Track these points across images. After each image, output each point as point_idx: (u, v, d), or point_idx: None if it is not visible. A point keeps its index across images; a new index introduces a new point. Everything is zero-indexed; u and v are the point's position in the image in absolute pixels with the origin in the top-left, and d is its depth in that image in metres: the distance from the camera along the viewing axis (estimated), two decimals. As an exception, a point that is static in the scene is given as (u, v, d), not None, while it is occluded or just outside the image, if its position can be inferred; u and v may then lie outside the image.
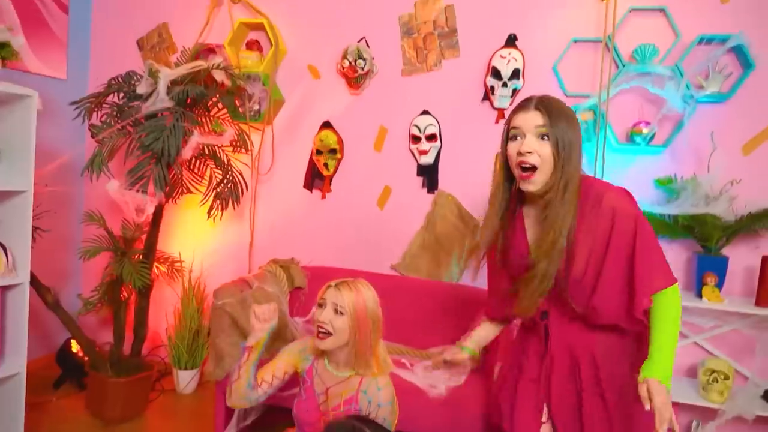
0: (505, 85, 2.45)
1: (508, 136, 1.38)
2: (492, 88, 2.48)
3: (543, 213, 1.36)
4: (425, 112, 2.61)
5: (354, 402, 1.57)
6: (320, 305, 1.58)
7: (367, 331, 1.55)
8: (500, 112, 2.52)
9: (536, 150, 1.32)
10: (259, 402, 1.66)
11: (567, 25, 2.43)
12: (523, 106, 1.36)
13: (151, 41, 3.03)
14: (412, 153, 2.66)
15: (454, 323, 2.43)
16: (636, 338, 1.43)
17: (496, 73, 2.46)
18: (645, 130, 2.26)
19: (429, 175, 2.64)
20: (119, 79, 2.45)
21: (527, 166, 1.33)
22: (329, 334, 1.54)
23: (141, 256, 2.55)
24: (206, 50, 2.78)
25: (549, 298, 1.41)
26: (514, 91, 2.47)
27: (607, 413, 1.40)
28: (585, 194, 1.35)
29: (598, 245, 1.33)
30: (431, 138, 2.59)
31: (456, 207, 2.60)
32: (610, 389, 1.40)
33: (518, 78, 2.45)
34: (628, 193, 1.37)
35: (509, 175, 1.42)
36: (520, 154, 1.33)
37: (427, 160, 2.60)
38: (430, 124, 2.59)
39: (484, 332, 1.70)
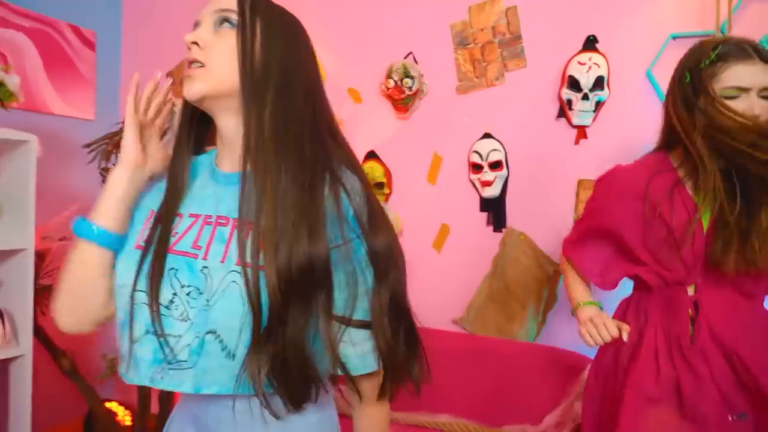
0: (586, 97, 1.99)
1: (723, 95, 1.11)
2: (569, 101, 2.03)
3: None
4: (487, 135, 2.19)
5: None
6: None
7: None
8: (581, 130, 2.06)
9: (764, 112, 1.10)
10: None
11: (661, 19, 1.95)
12: (743, 56, 1.10)
13: (180, 74, 2.78)
14: (473, 184, 2.23)
15: (535, 393, 1.95)
16: None
17: (573, 84, 2.01)
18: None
19: (495, 209, 2.19)
20: (136, 116, 2.18)
21: None
22: None
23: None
24: (235, 79, 2.48)
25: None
26: (598, 104, 2.00)
27: None
28: None
29: None
30: (496, 166, 2.15)
31: (530, 248, 2.14)
32: None
33: (602, 88, 1.99)
34: None
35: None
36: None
37: (492, 192, 2.16)
38: (494, 150, 2.15)
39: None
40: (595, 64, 1.98)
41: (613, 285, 1.35)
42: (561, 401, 1.81)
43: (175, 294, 0.79)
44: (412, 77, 2.22)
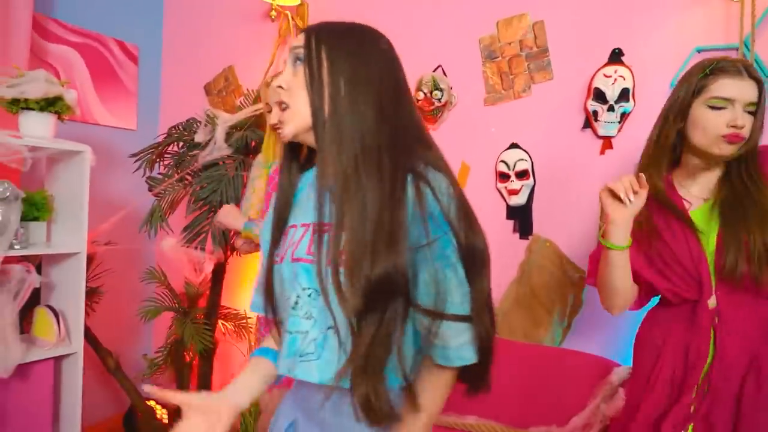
0: (611, 108, 2.05)
1: (711, 105, 1.21)
2: (595, 113, 2.09)
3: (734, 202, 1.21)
4: (514, 146, 2.25)
5: None
6: None
7: None
8: (606, 140, 2.11)
9: (747, 124, 1.19)
10: None
11: (686, 33, 2.00)
12: (733, 71, 1.19)
13: (217, 86, 2.91)
14: (500, 193, 2.29)
15: (559, 397, 2.00)
16: None
17: (599, 96, 2.06)
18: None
19: (521, 217, 2.26)
20: (179, 127, 2.31)
21: (739, 141, 1.20)
22: None
23: (204, 316, 2.35)
24: (271, 91, 2.60)
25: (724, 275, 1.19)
26: (623, 115, 2.06)
27: None
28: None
29: None
30: (522, 175, 2.22)
31: (555, 255, 2.20)
32: None
33: (627, 99, 2.04)
34: None
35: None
36: (734, 126, 1.18)
37: (519, 200, 2.23)
38: (521, 159, 2.22)
39: None
40: (621, 76, 2.03)
41: (639, 305, 1.38)
42: (588, 403, 1.86)
43: (298, 296, 0.90)
44: (441, 89, 2.30)
